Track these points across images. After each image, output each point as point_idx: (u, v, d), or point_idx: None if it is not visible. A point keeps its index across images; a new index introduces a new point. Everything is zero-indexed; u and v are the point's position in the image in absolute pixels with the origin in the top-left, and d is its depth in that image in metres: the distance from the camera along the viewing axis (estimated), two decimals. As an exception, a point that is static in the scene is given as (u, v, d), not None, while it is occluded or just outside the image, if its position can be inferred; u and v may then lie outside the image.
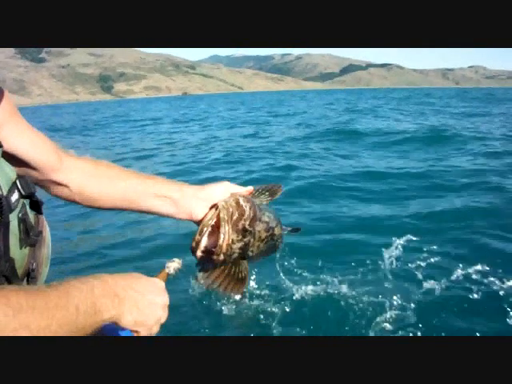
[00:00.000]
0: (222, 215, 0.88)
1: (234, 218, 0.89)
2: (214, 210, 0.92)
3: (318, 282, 3.06)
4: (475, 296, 2.82)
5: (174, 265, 0.89)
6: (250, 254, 0.95)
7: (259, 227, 0.95)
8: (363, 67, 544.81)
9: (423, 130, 11.00)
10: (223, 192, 0.96)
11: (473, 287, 2.90)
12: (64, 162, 0.90)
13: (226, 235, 0.88)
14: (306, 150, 9.36)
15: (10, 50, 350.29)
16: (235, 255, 0.91)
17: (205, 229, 0.89)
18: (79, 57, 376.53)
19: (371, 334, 2.51)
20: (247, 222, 0.91)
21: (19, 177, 0.77)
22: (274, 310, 2.83)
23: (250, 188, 1.01)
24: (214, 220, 0.89)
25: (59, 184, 0.91)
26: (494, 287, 2.90)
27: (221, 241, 0.87)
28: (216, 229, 0.89)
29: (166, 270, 0.88)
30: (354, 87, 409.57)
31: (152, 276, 0.83)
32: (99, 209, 0.99)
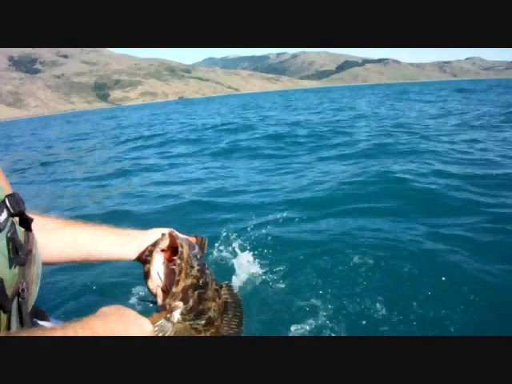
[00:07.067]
0: (174, 234, 0.88)
1: (186, 246, 0.88)
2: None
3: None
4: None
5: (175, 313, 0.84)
6: (208, 291, 0.91)
7: (208, 273, 0.94)
8: (360, 63, 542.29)
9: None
10: None
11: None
12: None
13: (184, 245, 0.86)
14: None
15: (4, 62, 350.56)
16: (194, 272, 0.87)
17: (159, 241, 0.89)
18: (73, 66, 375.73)
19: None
20: (199, 255, 0.90)
21: (8, 195, 0.76)
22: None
23: (193, 237, 1.02)
24: (168, 240, 0.88)
25: None
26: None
27: (181, 248, 0.85)
28: (169, 250, 0.88)
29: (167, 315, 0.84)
30: (351, 84, 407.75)
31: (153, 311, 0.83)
32: (47, 263, 0.96)
